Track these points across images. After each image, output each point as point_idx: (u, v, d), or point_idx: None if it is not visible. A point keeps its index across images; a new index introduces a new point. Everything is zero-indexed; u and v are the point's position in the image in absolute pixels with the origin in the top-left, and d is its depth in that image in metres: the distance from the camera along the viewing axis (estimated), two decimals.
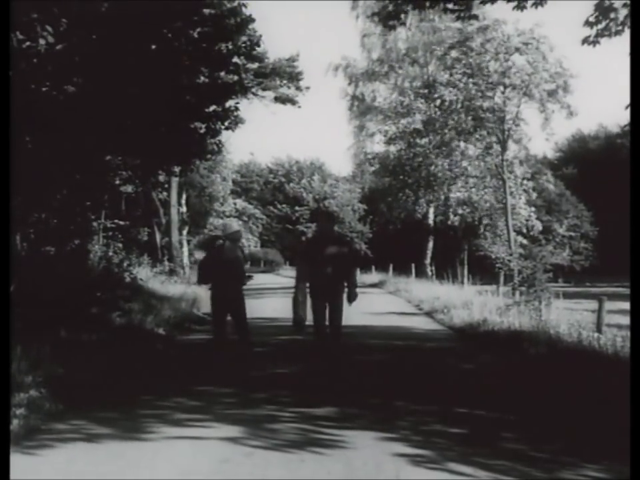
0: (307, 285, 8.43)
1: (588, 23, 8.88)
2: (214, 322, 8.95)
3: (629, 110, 9.10)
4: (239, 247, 9.12)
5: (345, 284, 8.47)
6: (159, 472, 4.75)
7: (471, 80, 26.22)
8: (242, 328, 8.78)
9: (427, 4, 9.25)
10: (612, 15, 8.63)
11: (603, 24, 8.75)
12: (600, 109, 72.23)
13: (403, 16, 9.53)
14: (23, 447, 5.23)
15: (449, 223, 33.72)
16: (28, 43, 8.68)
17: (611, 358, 8.36)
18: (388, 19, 9.56)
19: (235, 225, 9.71)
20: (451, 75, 27.67)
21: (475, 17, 10.10)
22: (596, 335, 10.12)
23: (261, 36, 13.39)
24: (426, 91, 31.44)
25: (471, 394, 7.36)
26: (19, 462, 4.74)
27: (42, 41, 8.54)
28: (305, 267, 8.47)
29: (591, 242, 47.69)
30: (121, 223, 22.95)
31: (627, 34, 8.70)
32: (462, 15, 9.31)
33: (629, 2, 8.43)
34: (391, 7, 9.43)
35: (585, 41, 9.15)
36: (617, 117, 55.80)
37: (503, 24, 25.81)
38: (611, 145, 50.07)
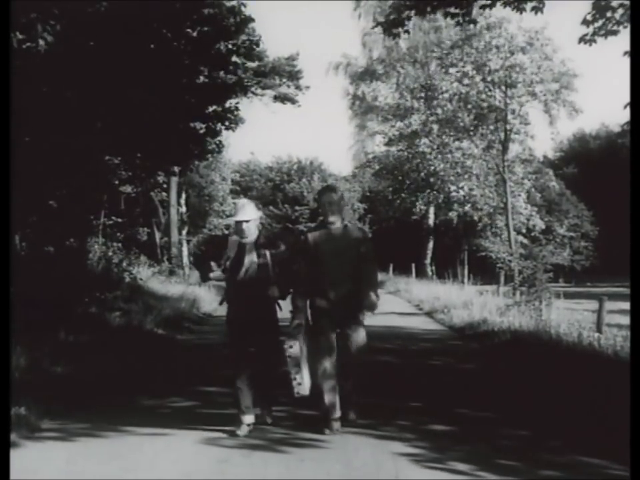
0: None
1: (585, 22, 8.94)
2: (231, 355, 5.90)
3: (628, 109, 9.16)
4: (256, 242, 5.89)
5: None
6: (159, 472, 4.73)
7: (475, 76, 26.20)
8: (259, 364, 5.81)
9: (428, 9, 9.22)
10: (608, 14, 8.67)
11: (600, 22, 8.79)
12: (602, 108, 72.18)
13: (406, 22, 9.49)
14: (22, 447, 5.22)
15: (448, 220, 33.74)
16: (28, 44, 8.68)
17: (611, 358, 8.35)
18: (391, 27, 9.50)
19: (244, 208, 5.95)
20: (447, 71, 27.66)
21: (474, 22, 10.11)
22: (596, 334, 10.12)
23: (260, 36, 13.40)
24: (425, 91, 31.44)
25: (470, 394, 7.35)
26: (18, 462, 4.73)
27: (42, 42, 8.52)
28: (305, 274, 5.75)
29: (591, 242, 47.63)
30: (119, 220, 22.99)
31: (623, 33, 8.76)
32: (462, 19, 9.32)
33: (626, 1, 8.47)
34: (394, 15, 9.39)
35: (582, 39, 9.20)
36: (619, 117, 55.81)
37: (507, 22, 25.79)
38: (612, 144, 50.00)
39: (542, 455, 5.08)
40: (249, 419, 5.70)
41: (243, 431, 5.65)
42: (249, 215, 5.90)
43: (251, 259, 5.80)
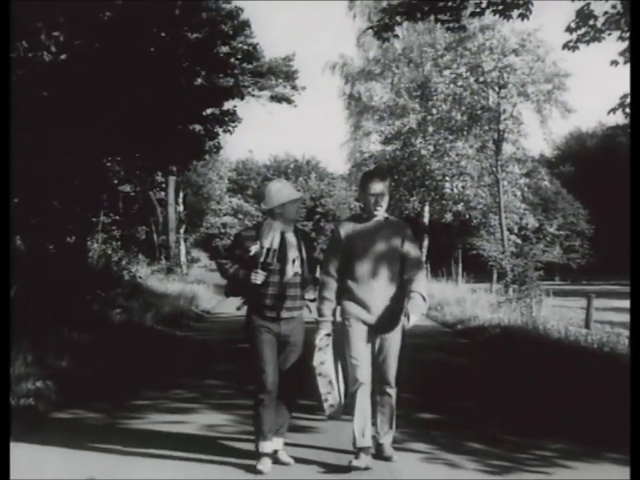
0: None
1: (569, 29, 9.23)
2: (259, 370, 4.63)
3: (612, 114, 9.49)
4: (295, 231, 4.79)
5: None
6: (162, 469, 4.75)
7: (469, 77, 26.43)
8: (287, 383, 4.70)
9: (418, 15, 9.45)
10: (591, 22, 8.96)
11: (583, 30, 9.08)
12: (599, 107, 72.35)
13: (396, 28, 9.72)
14: (23, 446, 5.14)
15: (443, 221, 33.97)
16: (33, 53, 8.86)
17: (596, 352, 8.61)
18: (382, 31, 9.72)
19: (286, 189, 4.73)
20: (441, 73, 27.90)
21: (464, 28, 10.35)
22: (584, 331, 10.40)
23: (257, 43, 13.66)
24: (420, 91, 31.70)
25: (459, 386, 7.58)
26: (18, 460, 4.64)
27: (46, 53, 8.69)
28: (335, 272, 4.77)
29: (587, 240, 47.85)
30: (117, 218, 23.22)
31: (606, 40, 9.06)
32: (452, 25, 9.57)
33: (612, 9, 8.75)
34: (385, 20, 9.61)
35: (566, 46, 9.50)
36: (616, 115, 55.76)
37: (500, 24, 26.00)
38: (609, 142, 50.15)
39: (527, 443, 5.22)
40: (270, 445, 4.64)
41: (265, 465, 4.57)
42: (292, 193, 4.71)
43: (293, 252, 4.66)
